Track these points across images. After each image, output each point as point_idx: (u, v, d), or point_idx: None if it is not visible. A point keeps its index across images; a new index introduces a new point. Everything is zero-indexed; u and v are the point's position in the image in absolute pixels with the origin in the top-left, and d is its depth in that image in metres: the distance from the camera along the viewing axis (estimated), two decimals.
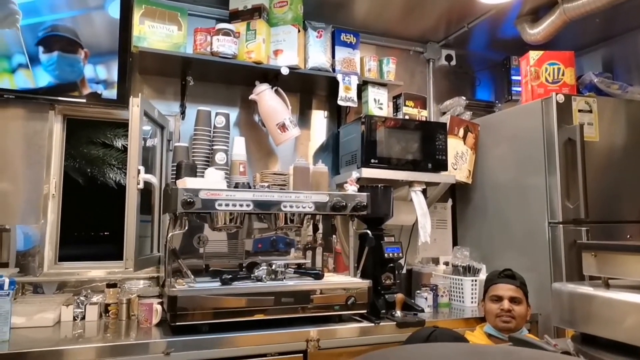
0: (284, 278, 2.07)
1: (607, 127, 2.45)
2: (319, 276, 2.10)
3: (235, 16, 2.46)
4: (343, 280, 2.13)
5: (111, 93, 2.30)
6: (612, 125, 2.48)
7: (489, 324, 2.01)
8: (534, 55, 2.59)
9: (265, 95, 2.43)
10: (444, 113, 3.06)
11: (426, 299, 2.36)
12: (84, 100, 2.27)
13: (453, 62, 3.15)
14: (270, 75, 2.47)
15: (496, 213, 2.73)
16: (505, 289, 1.96)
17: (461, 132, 2.82)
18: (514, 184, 2.60)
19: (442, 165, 2.60)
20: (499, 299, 1.96)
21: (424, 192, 2.64)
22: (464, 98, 3.00)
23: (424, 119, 2.74)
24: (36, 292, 2.22)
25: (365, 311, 2.06)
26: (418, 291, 2.43)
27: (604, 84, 2.54)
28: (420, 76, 3.15)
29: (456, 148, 2.78)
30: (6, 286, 1.70)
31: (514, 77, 3.08)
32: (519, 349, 0.86)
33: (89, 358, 1.65)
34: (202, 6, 2.56)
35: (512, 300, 1.94)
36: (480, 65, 3.32)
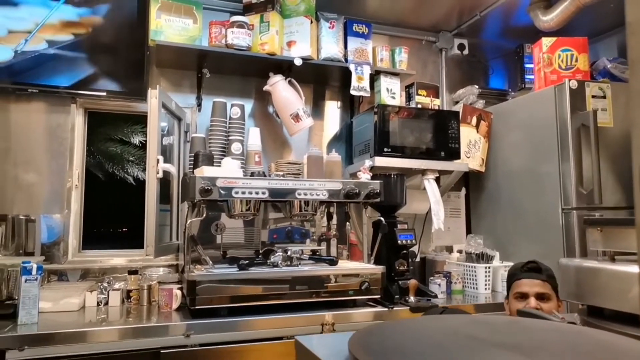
0: (299, 264, 2.12)
1: (622, 113, 2.44)
2: (333, 262, 2.14)
3: (248, 9, 2.50)
4: (357, 266, 2.17)
5: (130, 86, 2.36)
6: (626, 111, 2.46)
7: None
8: (546, 42, 2.59)
9: (279, 86, 2.47)
10: (457, 102, 3.06)
11: (439, 285, 2.39)
12: (104, 94, 2.34)
13: (466, 51, 3.15)
14: (284, 67, 2.51)
15: (509, 201, 2.74)
16: (531, 285, 1.68)
17: (474, 121, 2.83)
18: (527, 172, 2.60)
19: (455, 154, 2.62)
20: (523, 296, 1.69)
21: (437, 180, 2.66)
22: (477, 87, 3.01)
23: (436, 107, 2.76)
24: (61, 280, 2.30)
25: (379, 296, 2.11)
26: (431, 278, 2.46)
27: (618, 70, 2.53)
28: (432, 65, 3.15)
29: (469, 136, 2.79)
30: (34, 271, 1.78)
31: (527, 65, 3.07)
32: (524, 318, 0.89)
33: (113, 339, 1.72)
34: (216, 0, 2.60)
35: (539, 297, 1.66)
36: (493, 53, 3.31)
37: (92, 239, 2.86)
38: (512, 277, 1.76)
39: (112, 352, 1.70)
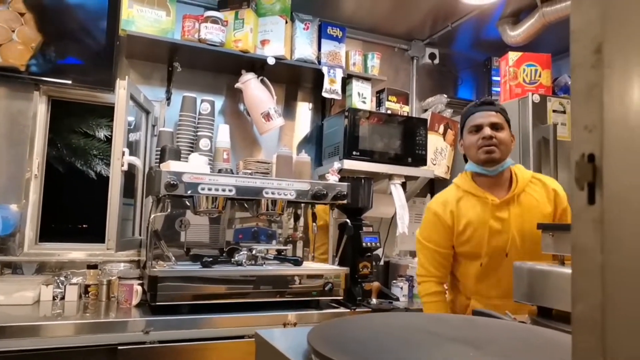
0: (264, 263, 2.11)
1: None
2: (298, 262, 2.15)
3: (224, 4, 2.49)
4: (321, 267, 2.18)
5: (98, 76, 2.31)
6: None
7: (471, 161, 1.73)
8: (513, 56, 2.68)
9: (250, 84, 2.46)
10: (426, 110, 3.13)
11: (401, 288, 2.43)
12: (70, 82, 2.27)
13: (436, 61, 3.23)
14: (257, 65, 2.51)
15: None
16: (485, 116, 1.66)
17: (441, 129, 2.90)
18: None
19: (421, 160, 2.67)
20: (478, 128, 1.66)
21: (403, 185, 2.71)
22: (446, 96, 3.08)
23: (405, 114, 2.80)
24: (15, 273, 2.22)
25: (341, 298, 2.12)
26: (394, 281, 2.50)
27: None
28: (404, 73, 3.21)
29: (436, 144, 2.86)
30: None
31: (494, 78, 3.17)
32: (478, 317, 0.92)
33: (68, 334, 1.67)
34: None
35: (493, 127, 1.65)
36: (462, 64, 3.40)
37: (49, 233, 2.76)
38: (466, 114, 1.75)
39: (67, 347, 1.66)
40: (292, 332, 0.87)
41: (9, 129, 2.26)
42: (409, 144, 2.63)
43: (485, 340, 0.73)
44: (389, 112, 2.73)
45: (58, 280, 2.08)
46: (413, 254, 2.99)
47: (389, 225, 2.86)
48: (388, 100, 2.76)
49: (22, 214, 2.24)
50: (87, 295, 2.09)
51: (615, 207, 0.32)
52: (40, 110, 2.32)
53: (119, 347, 1.70)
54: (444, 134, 2.90)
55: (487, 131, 1.64)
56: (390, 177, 2.63)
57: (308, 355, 0.72)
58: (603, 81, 0.32)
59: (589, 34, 0.33)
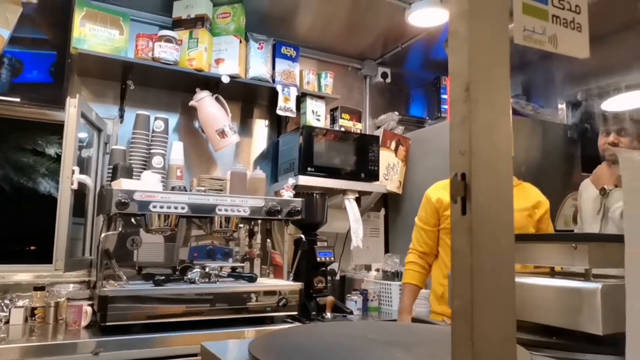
0: (217, 281, 2.12)
1: (522, 144, 2.70)
2: (252, 279, 2.17)
3: (178, 24, 2.52)
4: (275, 283, 2.21)
5: (47, 93, 2.28)
6: (526, 142, 2.74)
7: None
8: None
9: (205, 102, 2.49)
10: (379, 127, 3.23)
11: (356, 302, 2.48)
12: (18, 100, 2.23)
13: (388, 80, 3.35)
14: (212, 83, 2.54)
15: None
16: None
17: (393, 145, 3.00)
18: None
19: (374, 176, 2.76)
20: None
21: (357, 200, 2.78)
22: (397, 113, 3.19)
23: (359, 131, 2.90)
24: None
25: (296, 313, 2.15)
26: (348, 295, 2.55)
27: (519, 105, 2.81)
28: (357, 91, 3.32)
29: (388, 160, 2.95)
30: None
31: (443, 96, 3.32)
32: (416, 324, 0.98)
33: (13, 358, 1.62)
34: (145, 12, 2.59)
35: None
36: (413, 83, 3.54)
37: None
38: None
39: None
40: (237, 343, 0.90)
41: None
42: (362, 160, 2.72)
43: (416, 343, 0.79)
44: (342, 129, 2.81)
45: (2, 304, 2.01)
46: (368, 268, 3.05)
47: (344, 240, 2.92)
48: (342, 117, 2.84)
49: None
50: (33, 319, 2.02)
51: (480, 217, 0.38)
52: None
53: None
54: (396, 150, 3.01)
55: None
56: (344, 192, 2.69)
57: None
58: (471, 114, 0.39)
59: (460, 75, 0.40)
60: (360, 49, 3.18)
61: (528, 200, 1.97)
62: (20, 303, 2.04)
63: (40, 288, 2.07)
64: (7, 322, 1.98)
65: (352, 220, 2.63)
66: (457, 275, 0.39)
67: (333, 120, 2.89)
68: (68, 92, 2.32)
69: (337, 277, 2.85)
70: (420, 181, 2.96)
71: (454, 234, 0.40)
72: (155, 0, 2.54)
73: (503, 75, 0.39)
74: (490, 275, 0.37)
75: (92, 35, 2.29)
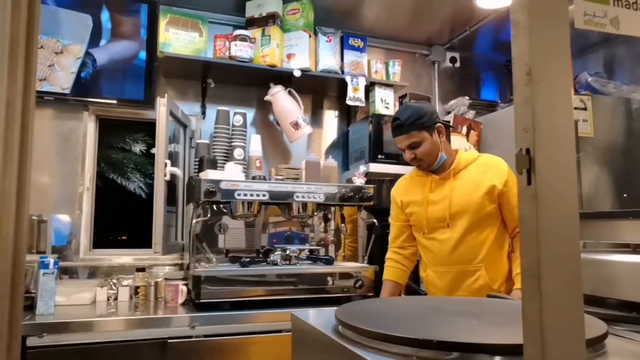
0: (297, 263, 2.26)
1: (602, 124, 2.59)
2: (329, 261, 2.28)
3: (251, 23, 2.67)
4: (352, 266, 2.31)
5: (139, 95, 2.52)
6: (607, 122, 2.62)
7: None
8: None
9: (279, 96, 2.62)
10: (449, 112, 3.22)
11: None
12: (115, 102, 2.49)
13: (457, 64, 3.32)
14: (284, 78, 2.67)
15: None
16: (399, 142, 1.88)
17: (464, 130, 2.98)
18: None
19: None
20: (402, 150, 1.90)
21: None
22: (467, 98, 3.16)
23: None
24: (72, 277, 2.44)
25: (372, 294, 2.24)
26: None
27: (599, 83, 2.69)
28: (426, 77, 3.32)
29: (459, 145, 2.94)
30: (51, 266, 1.92)
31: None
32: (486, 298, 1.03)
33: (123, 329, 1.85)
34: (221, 14, 2.77)
35: (410, 147, 1.84)
36: (484, 66, 3.47)
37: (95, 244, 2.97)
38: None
39: (123, 340, 1.84)
40: (322, 312, 1.01)
41: (62, 146, 2.49)
42: None
43: (487, 313, 0.85)
44: None
45: (111, 283, 2.28)
46: None
47: None
48: None
49: (76, 223, 2.46)
50: (137, 296, 2.28)
51: (544, 186, 0.44)
52: (90, 128, 2.54)
53: (169, 341, 1.87)
54: (467, 135, 2.99)
55: (407, 156, 1.88)
56: None
57: (335, 328, 0.85)
58: (533, 95, 0.45)
59: (522, 60, 0.46)
60: (427, 35, 3.17)
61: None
62: (125, 283, 2.31)
63: (141, 269, 2.32)
64: (116, 298, 2.25)
65: None
66: (525, 237, 0.46)
67: None
68: (156, 92, 2.55)
69: None
70: None
71: (521, 202, 0.47)
72: (229, 2, 2.71)
73: (563, 59, 0.45)
74: (555, 238, 0.43)
75: (175, 39, 2.50)
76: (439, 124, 1.87)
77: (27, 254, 2.26)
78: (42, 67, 2.36)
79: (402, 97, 2.96)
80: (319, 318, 0.95)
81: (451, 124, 2.85)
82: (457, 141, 2.92)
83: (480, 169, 1.85)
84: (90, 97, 2.47)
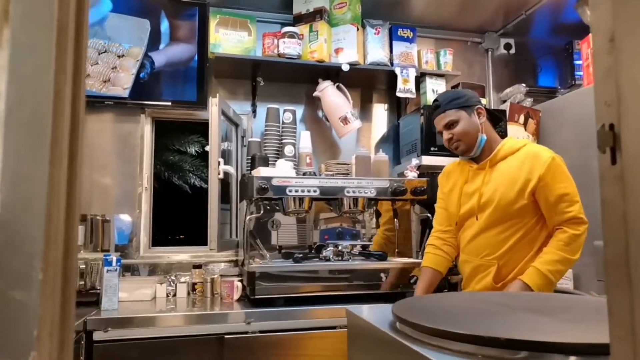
0: (350, 259, 2.23)
1: None
2: (382, 257, 2.24)
3: (298, 19, 2.66)
4: (406, 261, 2.26)
5: (192, 96, 2.58)
6: None
7: None
8: None
9: (327, 91, 2.61)
10: (504, 101, 3.08)
11: None
12: (169, 103, 2.57)
13: (512, 50, 3.17)
14: (332, 73, 2.65)
15: None
16: (437, 122, 1.83)
17: (521, 119, 2.84)
18: (579, 168, 2.57)
19: None
20: (441, 133, 1.85)
21: None
22: (524, 85, 3.01)
23: None
24: (133, 274, 2.54)
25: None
26: None
27: None
28: (479, 66, 3.19)
29: (517, 134, 2.80)
30: (114, 263, 2.00)
31: (576, 62, 3.04)
32: (552, 294, 0.96)
33: (182, 324, 1.90)
34: (268, 12, 2.78)
35: (447, 127, 1.79)
36: (541, 51, 3.30)
37: (154, 243, 3.07)
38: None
39: (182, 335, 1.89)
40: (378, 308, 0.98)
41: (122, 148, 2.59)
42: None
43: (557, 310, 0.79)
44: None
45: (170, 279, 2.35)
46: None
47: None
48: None
49: (136, 222, 2.56)
50: (194, 292, 2.34)
51: (632, 165, 0.39)
52: (147, 130, 2.63)
53: (226, 336, 1.90)
54: (525, 124, 2.85)
55: (445, 136, 1.81)
56: None
57: (393, 324, 0.82)
58: (617, 64, 0.40)
59: (603, 27, 0.41)
60: (479, 22, 3.05)
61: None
62: (183, 279, 2.37)
63: (198, 266, 2.38)
64: (175, 295, 2.31)
65: None
66: (609, 224, 0.41)
67: None
68: (209, 93, 2.60)
69: None
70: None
71: (603, 185, 0.42)
72: (276, 0, 2.72)
73: None
74: None
75: (225, 39, 2.54)
76: (479, 106, 1.80)
77: (92, 252, 2.40)
78: (106, 70, 2.48)
79: (454, 87, 2.86)
80: (374, 314, 0.92)
81: (506, 113, 2.73)
82: (515, 131, 2.79)
83: (518, 161, 1.71)
84: (147, 99, 2.56)
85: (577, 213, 1.65)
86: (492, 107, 3.07)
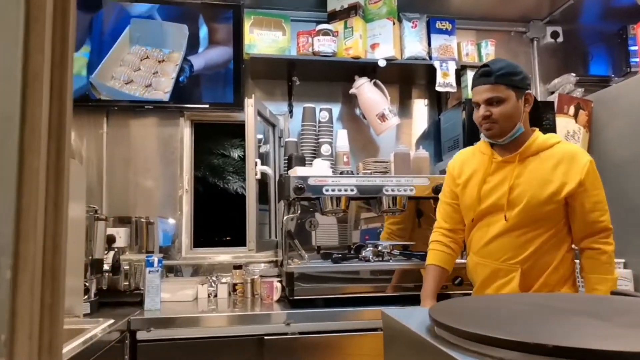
0: (390, 259, 2.17)
1: None
2: (424, 257, 2.17)
3: (333, 16, 2.63)
4: None
5: (229, 98, 2.60)
6: None
7: None
8: None
9: (364, 88, 2.56)
10: (552, 92, 2.93)
11: None
12: (207, 106, 2.60)
13: (560, 39, 3.01)
14: (369, 69, 2.60)
15: (617, 195, 2.54)
16: (479, 92, 1.60)
17: (572, 110, 2.69)
18: (637, 162, 2.41)
19: None
20: (477, 105, 1.62)
21: None
22: (574, 74, 2.85)
23: None
24: (176, 276, 2.58)
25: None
26: None
27: None
28: (524, 56, 3.05)
29: (567, 127, 2.66)
30: (156, 264, 2.04)
31: (632, 48, 2.85)
32: (607, 296, 0.88)
33: (223, 325, 1.91)
34: (303, 11, 2.76)
35: (488, 102, 1.57)
36: (592, 38, 3.11)
37: (198, 244, 3.10)
38: (472, 84, 1.68)
39: (223, 336, 1.89)
40: (415, 310, 0.93)
41: (163, 152, 2.64)
42: None
43: (617, 314, 0.72)
44: None
45: (211, 280, 2.38)
46: None
47: None
48: None
49: (178, 224, 2.60)
50: (235, 293, 2.35)
51: None
52: (186, 133, 2.67)
53: (265, 337, 1.89)
54: (576, 116, 2.69)
55: (482, 111, 1.59)
56: None
57: (430, 328, 0.77)
58: None
59: None
60: (523, 10, 2.91)
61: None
62: (224, 280, 2.39)
63: (238, 267, 2.39)
64: (216, 295, 2.33)
65: None
66: None
67: None
68: (245, 94, 2.61)
69: None
70: (609, 148, 2.60)
71: None
72: None
73: None
74: None
75: (260, 40, 2.54)
76: (529, 91, 1.64)
77: (137, 254, 2.46)
78: (147, 74, 2.55)
79: None
80: (411, 316, 0.87)
81: (554, 105, 2.59)
82: (564, 123, 2.64)
83: (553, 160, 1.55)
84: (186, 103, 2.60)
85: (609, 223, 1.55)
86: (539, 99, 2.93)
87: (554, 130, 2.50)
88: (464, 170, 1.71)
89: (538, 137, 1.64)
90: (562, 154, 1.57)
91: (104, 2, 2.54)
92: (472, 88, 1.66)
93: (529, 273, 1.53)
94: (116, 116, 2.61)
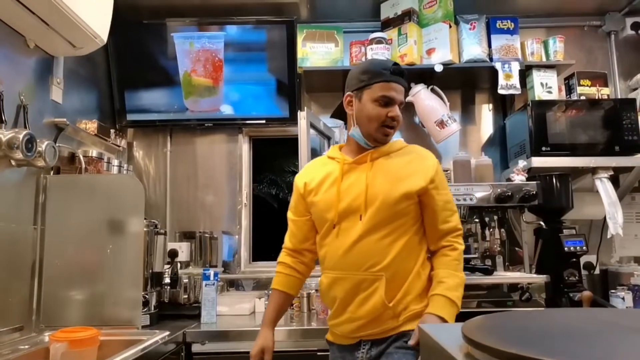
0: None
1: None
2: (487, 271, 2.02)
3: (386, 25, 2.58)
4: (517, 276, 2.01)
5: (284, 112, 2.62)
6: None
7: (359, 128, 1.50)
8: None
9: (420, 95, 2.47)
10: (635, 89, 2.65)
11: (623, 299, 2.06)
12: (264, 121, 2.63)
13: None
14: (425, 75, 2.50)
15: None
16: (399, 91, 1.45)
17: None
18: None
19: (634, 147, 2.26)
20: (388, 102, 1.44)
21: (614, 179, 2.33)
22: None
23: (605, 97, 2.43)
24: (237, 289, 2.61)
25: (543, 309, 1.91)
26: (613, 291, 2.14)
27: None
28: (599, 52, 2.79)
29: None
30: (212, 277, 2.07)
31: None
32: None
33: (279, 339, 1.88)
34: (355, 22, 2.74)
35: (400, 104, 1.47)
36: None
37: (257, 258, 3.11)
38: (378, 75, 1.45)
39: (277, 350, 1.82)
40: (453, 326, 0.84)
41: (224, 167, 2.71)
42: (614, 130, 2.27)
43: None
44: (582, 98, 2.40)
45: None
46: (638, 260, 2.51)
47: (601, 228, 2.47)
48: (580, 85, 2.43)
49: (237, 238, 2.64)
50: (291, 307, 2.32)
51: None
52: (244, 148, 2.73)
53: (318, 353, 1.84)
54: None
55: (396, 111, 1.46)
56: (593, 171, 2.29)
57: (464, 346, 0.69)
58: None
59: None
60: (597, 2, 2.68)
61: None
62: None
63: None
64: None
65: (607, 204, 2.21)
66: None
67: (569, 90, 2.49)
68: (300, 108, 2.61)
69: (597, 271, 2.43)
70: None
71: None
72: (363, 9, 2.66)
73: None
74: None
75: (312, 53, 2.54)
76: None
77: (198, 268, 2.52)
78: None
79: (568, 78, 2.53)
80: (448, 332, 0.79)
81: (636, 103, 2.34)
82: None
83: (404, 159, 1.46)
84: (244, 119, 2.65)
85: (459, 224, 1.48)
86: (619, 97, 2.66)
87: (637, 131, 2.25)
88: (314, 177, 1.55)
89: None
90: (412, 154, 1.51)
91: (168, 33, 2.63)
92: (386, 81, 1.45)
93: (393, 280, 1.38)
94: (178, 135, 2.73)
